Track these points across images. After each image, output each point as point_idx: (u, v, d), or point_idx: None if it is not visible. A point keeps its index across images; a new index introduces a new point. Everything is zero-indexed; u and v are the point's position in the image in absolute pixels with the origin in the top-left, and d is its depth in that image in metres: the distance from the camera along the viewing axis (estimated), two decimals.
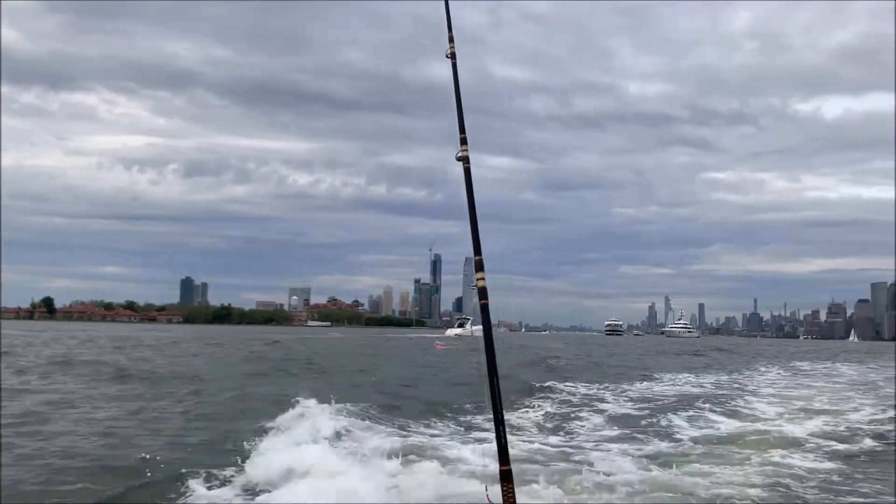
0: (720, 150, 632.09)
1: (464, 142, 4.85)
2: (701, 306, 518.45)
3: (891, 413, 16.73)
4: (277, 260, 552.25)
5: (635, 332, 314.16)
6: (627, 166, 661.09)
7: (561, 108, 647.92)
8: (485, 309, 4.22)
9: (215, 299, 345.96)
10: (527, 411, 16.25)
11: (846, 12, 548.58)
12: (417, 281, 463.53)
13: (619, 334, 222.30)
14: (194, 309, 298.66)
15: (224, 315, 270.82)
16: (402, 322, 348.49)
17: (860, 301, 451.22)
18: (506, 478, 3.79)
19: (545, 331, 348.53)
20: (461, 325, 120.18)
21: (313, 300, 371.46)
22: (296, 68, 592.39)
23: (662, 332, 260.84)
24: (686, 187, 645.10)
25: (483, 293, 4.27)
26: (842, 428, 14.40)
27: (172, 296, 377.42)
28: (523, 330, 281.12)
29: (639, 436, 13.03)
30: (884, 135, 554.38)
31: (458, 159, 4.80)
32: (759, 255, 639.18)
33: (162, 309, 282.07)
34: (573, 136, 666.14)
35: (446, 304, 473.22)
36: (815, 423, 14.89)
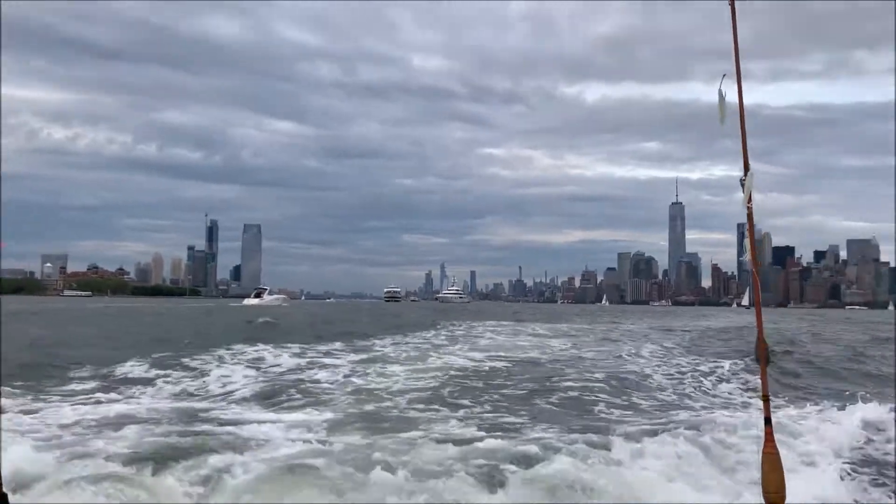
0: (495, 126, 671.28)
1: None
2: (473, 273, 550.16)
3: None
4: (29, 223, 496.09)
5: (412, 298, 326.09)
6: (408, 137, 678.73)
7: (346, 76, 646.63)
8: None
9: None
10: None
11: (606, 4, 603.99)
12: (191, 248, 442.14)
13: (398, 301, 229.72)
14: None
15: None
16: (173, 291, 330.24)
17: (609, 269, 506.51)
18: None
19: (328, 299, 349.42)
20: (258, 296, 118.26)
21: (71, 268, 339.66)
22: (51, 9, 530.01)
23: (436, 298, 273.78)
24: (463, 161, 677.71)
25: None
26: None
27: None
28: (303, 298, 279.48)
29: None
30: (633, 119, 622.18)
31: None
32: (526, 226, 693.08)
33: None
34: (357, 105, 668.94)
35: (223, 272, 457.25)
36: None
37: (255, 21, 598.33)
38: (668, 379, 16.62)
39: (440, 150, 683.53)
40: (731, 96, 5.88)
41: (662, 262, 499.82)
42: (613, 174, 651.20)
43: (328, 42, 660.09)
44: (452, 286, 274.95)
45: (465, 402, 12.68)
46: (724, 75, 5.86)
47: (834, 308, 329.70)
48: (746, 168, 5.71)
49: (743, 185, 5.82)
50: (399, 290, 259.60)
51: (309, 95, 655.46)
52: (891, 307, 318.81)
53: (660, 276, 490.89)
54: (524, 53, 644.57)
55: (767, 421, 5.34)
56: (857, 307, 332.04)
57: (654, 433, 9.65)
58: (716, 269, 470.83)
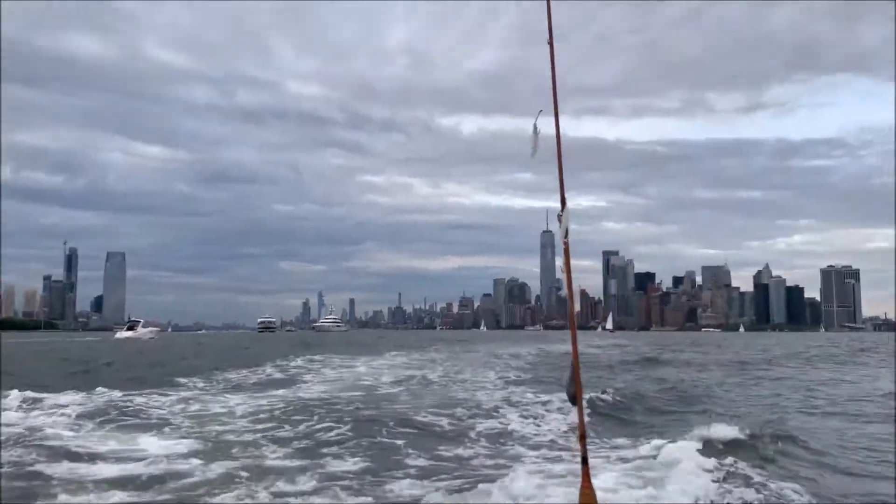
0: (373, 154, 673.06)
1: None
2: (352, 301, 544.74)
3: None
4: None
5: (288, 328, 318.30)
6: (286, 163, 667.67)
7: (221, 99, 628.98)
8: None
9: None
10: None
11: (482, 40, 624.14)
12: (48, 278, 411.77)
13: (273, 331, 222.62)
14: None
15: None
16: (26, 325, 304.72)
17: (485, 295, 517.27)
18: None
19: (199, 330, 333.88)
20: (131, 328, 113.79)
21: None
22: None
23: (313, 328, 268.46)
24: (341, 187, 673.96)
25: None
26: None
27: None
28: (169, 330, 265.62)
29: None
30: (507, 151, 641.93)
31: None
32: (406, 252, 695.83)
33: None
34: (233, 129, 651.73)
35: (84, 303, 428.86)
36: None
37: (123, 40, 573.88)
38: (487, 418, 16.00)
39: (318, 177, 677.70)
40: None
41: (535, 287, 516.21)
42: (490, 203, 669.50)
43: (202, 64, 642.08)
44: (330, 314, 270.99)
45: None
46: (540, 111, 6.03)
47: (691, 331, 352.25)
48: (563, 204, 5.87)
49: (560, 221, 5.97)
50: (274, 319, 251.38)
51: (181, 118, 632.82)
52: (741, 329, 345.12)
53: (532, 302, 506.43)
54: (402, 84, 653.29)
55: (584, 460, 5.36)
56: (712, 329, 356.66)
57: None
58: (584, 295, 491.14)
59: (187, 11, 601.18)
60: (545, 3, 6.09)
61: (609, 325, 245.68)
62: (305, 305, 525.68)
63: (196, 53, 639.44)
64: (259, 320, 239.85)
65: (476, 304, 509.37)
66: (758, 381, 27.80)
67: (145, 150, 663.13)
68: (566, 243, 5.94)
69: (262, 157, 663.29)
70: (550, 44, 6.18)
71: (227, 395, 20.61)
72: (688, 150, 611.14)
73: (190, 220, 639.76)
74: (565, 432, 13.88)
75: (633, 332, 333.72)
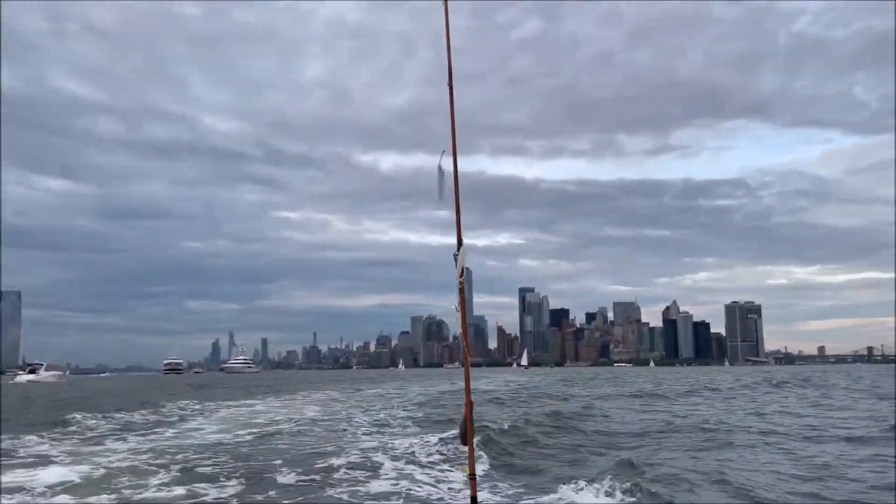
0: (289, 189, 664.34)
1: None
2: (264, 341, 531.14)
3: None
4: None
5: (195, 370, 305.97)
6: (198, 199, 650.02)
7: (129, 132, 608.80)
8: None
9: None
10: None
11: (401, 78, 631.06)
12: None
13: (180, 372, 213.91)
14: None
15: None
16: None
17: (403, 333, 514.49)
18: None
19: (102, 373, 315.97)
20: (33, 371, 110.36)
21: None
22: None
23: (222, 369, 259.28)
24: (255, 224, 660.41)
25: None
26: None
27: None
28: (67, 373, 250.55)
29: None
30: (424, 188, 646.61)
31: None
32: (322, 290, 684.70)
33: None
34: (141, 163, 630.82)
35: None
36: None
37: (25, 70, 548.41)
38: (361, 458, 15.56)
39: (231, 213, 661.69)
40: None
41: (453, 325, 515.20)
42: (408, 240, 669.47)
43: (110, 96, 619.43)
44: (240, 355, 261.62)
45: None
46: (443, 152, 6.16)
47: (604, 366, 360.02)
48: (459, 243, 5.93)
49: (456, 260, 6.00)
50: (181, 360, 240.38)
51: (87, 152, 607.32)
52: (652, 364, 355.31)
53: (451, 339, 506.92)
54: (320, 119, 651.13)
55: (473, 501, 5.51)
56: (624, 364, 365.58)
57: None
58: (501, 331, 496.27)
59: (97, 42, 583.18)
60: (446, 47, 6.51)
61: (524, 361, 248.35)
62: (215, 346, 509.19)
63: (104, 85, 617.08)
64: (165, 362, 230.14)
65: (394, 343, 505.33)
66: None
67: (48, 182, 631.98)
68: (461, 283, 5.94)
69: (173, 193, 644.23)
70: (450, 86, 6.48)
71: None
72: (599, 189, 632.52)
73: (94, 257, 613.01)
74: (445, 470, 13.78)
75: (549, 367, 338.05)
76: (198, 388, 64.25)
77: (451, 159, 6.25)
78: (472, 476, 5.55)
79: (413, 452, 16.24)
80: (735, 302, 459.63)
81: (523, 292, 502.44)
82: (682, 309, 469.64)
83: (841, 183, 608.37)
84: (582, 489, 11.56)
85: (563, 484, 12.05)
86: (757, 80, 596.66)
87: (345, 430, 22.67)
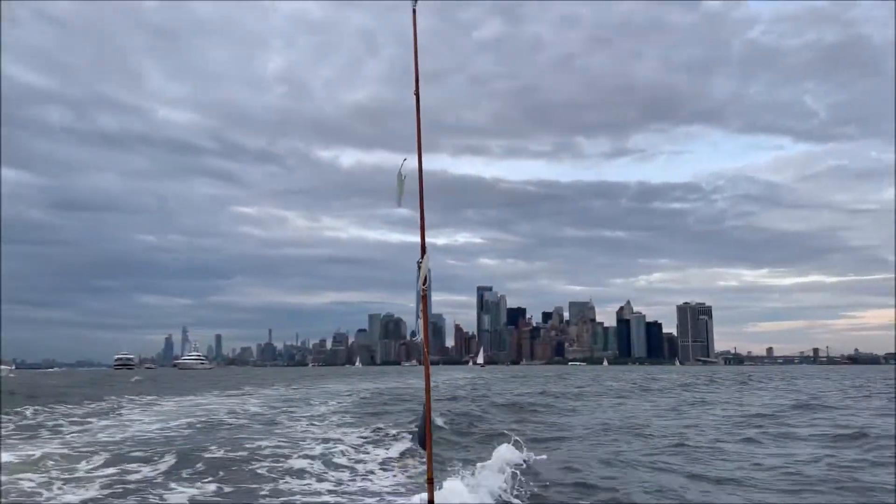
0: (247, 184, 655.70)
1: None
2: (218, 337, 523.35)
3: None
4: None
5: (147, 365, 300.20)
6: (151, 191, 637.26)
7: (79, 122, 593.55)
8: None
9: None
10: None
11: (361, 75, 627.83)
12: None
13: (131, 368, 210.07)
14: None
15: None
16: None
17: (360, 330, 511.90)
18: None
19: (50, 368, 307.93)
20: None
21: None
22: None
23: (175, 365, 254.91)
24: (211, 218, 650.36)
25: None
26: None
27: None
28: (13, 367, 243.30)
29: None
30: (385, 186, 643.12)
31: None
32: (279, 287, 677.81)
33: None
34: (92, 154, 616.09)
35: None
36: None
37: None
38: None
39: (187, 207, 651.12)
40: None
41: (411, 323, 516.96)
42: (367, 237, 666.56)
43: (61, 85, 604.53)
44: (193, 351, 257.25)
45: None
46: (405, 159, 6.17)
47: (559, 364, 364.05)
48: (423, 251, 6.09)
49: (419, 268, 6.11)
50: (132, 356, 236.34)
51: (35, 141, 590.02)
52: (605, 363, 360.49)
53: (408, 337, 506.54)
54: (280, 114, 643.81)
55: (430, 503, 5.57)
56: (579, 363, 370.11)
57: None
58: (458, 329, 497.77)
59: (49, 29, 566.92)
60: (413, 51, 6.47)
61: (480, 359, 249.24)
62: (168, 341, 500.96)
63: (55, 73, 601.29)
64: (115, 357, 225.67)
65: (351, 340, 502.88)
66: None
67: None
68: (424, 290, 6.01)
69: (126, 185, 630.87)
70: (417, 95, 6.40)
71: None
72: (558, 190, 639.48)
73: (42, 249, 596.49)
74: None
75: (505, 365, 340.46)
76: (144, 382, 63.36)
77: (411, 165, 6.35)
78: (430, 480, 5.57)
79: (340, 440, 16.80)
80: (687, 303, 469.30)
81: (481, 291, 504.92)
82: (635, 309, 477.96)
83: (790, 189, 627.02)
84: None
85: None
86: (712, 87, 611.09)
87: (282, 422, 23.01)
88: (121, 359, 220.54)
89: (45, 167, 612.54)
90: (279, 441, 16.79)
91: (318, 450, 15.25)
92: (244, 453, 14.63)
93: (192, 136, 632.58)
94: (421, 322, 6.39)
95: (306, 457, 14.37)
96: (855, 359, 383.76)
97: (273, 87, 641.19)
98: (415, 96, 6.46)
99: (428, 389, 6.03)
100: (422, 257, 6.08)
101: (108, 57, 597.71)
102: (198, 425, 21.84)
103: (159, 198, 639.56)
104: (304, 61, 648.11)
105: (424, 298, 6.18)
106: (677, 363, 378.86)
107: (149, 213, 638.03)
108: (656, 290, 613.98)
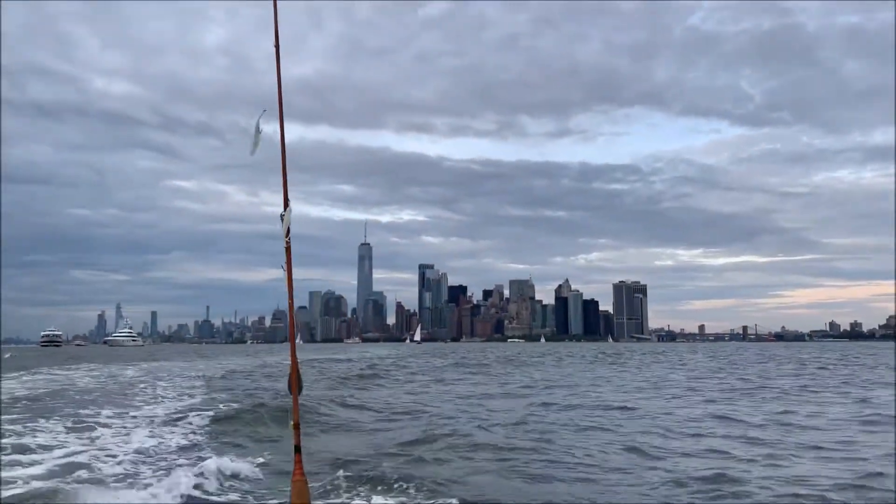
0: (186, 158, 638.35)
1: None
2: (154, 314, 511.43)
3: None
4: None
5: (77, 342, 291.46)
6: (85, 164, 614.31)
7: (11, 91, 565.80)
8: None
9: None
10: None
11: (305, 48, 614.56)
12: None
13: (59, 345, 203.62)
14: None
15: None
16: None
17: (300, 308, 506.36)
18: None
19: None
20: None
21: None
22: None
23: (105, 342, 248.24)
24: (148, 192, 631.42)
25: None
26: None
27: None
28: None
29: None
30: (327, 162, 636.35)
31: None
32: (217, 263, 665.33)
33: None
34: (23, 124, 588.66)
35: None
36: None
37: None
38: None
39: (123, 180, 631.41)
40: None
41: (351, 300, 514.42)
42: (308, 213, 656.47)
43: None
44: (125, 328, 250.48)
45: None
46: (264, 110, 6.48)
47: (498, 341, 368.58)
48: (286, 204, 6.14)
49: (282, 220, 6.21)
50: (59, 332, 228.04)
51: None
52: (542, 340, 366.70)
53: (349, 315, 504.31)
54: (220, 87, 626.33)
55: (297, 448, 5.71)
56: (517, 339, 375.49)
57: None
58: (399, 307, 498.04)
59: None
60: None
61: (417, 336, 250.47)
62: (101, 318, 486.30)
63: None
64: (42, 334, 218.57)
65: None
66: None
67: None
68: (287, 242, 6.11)
69: (59, 157, 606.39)
70: (277, 47, 6.50)
71: None
72: (501, 169, 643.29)
73: None
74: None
75: (444, 342, 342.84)
76: (47, 357, 63.61)
77: (274, 121, 6.42)
78: (296, 426, 5.79)
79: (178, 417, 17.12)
80: (622, 281, 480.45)
81: (423, 269, 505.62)
82: (574, 287, 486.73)
83: (725, 171, 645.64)
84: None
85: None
86: (653, 70, 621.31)
87: (144, 391, 23.95)
88: (47, 335, 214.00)
89: None
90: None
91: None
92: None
93: (129, 109, 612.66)
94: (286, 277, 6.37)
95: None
96: (781, 336, 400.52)
97: (213, 59, 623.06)
98: (275, 48, 6.57)
99: (293, 341, 6.28)
100: (284, 209, 6.08)
101: (40, 24, 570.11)
102: (59, 389, 22.98)
103: (95, 171, 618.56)
104: (246, 34, 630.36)
105: (288, 250, 6.19)
106: (610, 340, 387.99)
107: (84, 187, 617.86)
108: (595, 268, 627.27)
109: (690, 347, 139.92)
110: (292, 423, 5.78)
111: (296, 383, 5.88)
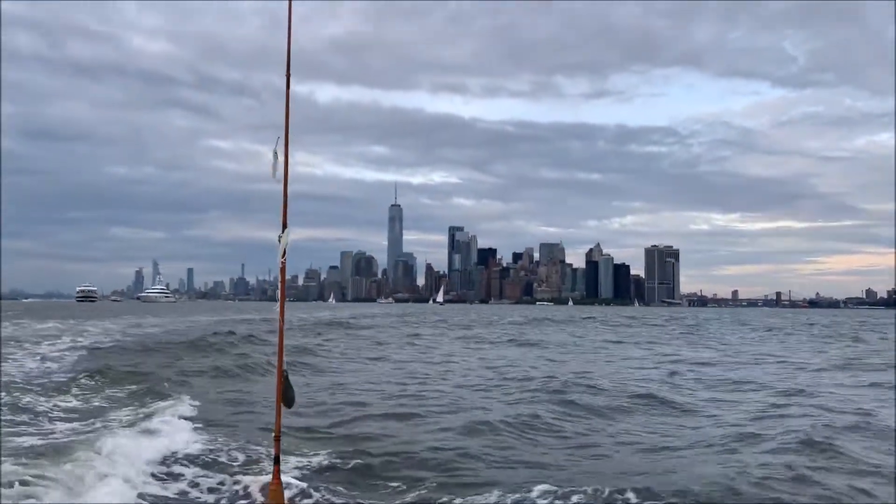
0: (222, 118, 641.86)
1: None
2: (190, 271, 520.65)
3: None
4: None
5: (113, 298, 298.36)
6: (123, 122, 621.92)
7: (51, 50, 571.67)
8: None
9: None
10: None
11: (339, 8, 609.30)
12: None
13: (93, 300, 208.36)
14: None
15: None
16: None
17: (332, 267, 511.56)
18: None
19: (24, 298, 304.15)
20: None
21: None
22: None
23: (138, 298, 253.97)
24: (185, 151, 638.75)
25: None
26: None
27: None
28: None
29: None
30: (361, 122, 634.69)
31: None
32: (252, 222, 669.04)
33: None
34: (63, 83, 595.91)
35: None
36: None
37: None
38: None
39: (160, 139, 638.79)
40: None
41: (382, 261, 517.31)
42: (341, 174, 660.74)
43: (30, 10, 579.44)
44: (157, 284, 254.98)
45: None
46: (278, 138, 6.76)
47: (527, 304, 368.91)
48: (285, 225, 6.39)
49: (279, 241, 6.45)
50: (94, 288, 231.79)
51: (3, 68, 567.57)
52: (570, 303, 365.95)
53: (379, 275, 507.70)
54: (256, 46, 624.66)
55: (276, 459, 5.84)
56: (546, 302, 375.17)
57: None
58: (429, 268, 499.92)
59: None
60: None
61: (440, 298, 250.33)
62: (138, 275, 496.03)
63: None
64: (78, 289, 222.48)
65: (322, 277, 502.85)
66: None
67: None
68: (283, 263, 6.29)
69: (97, 115, 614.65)
70: (288, 76, 6.79)
71: None
72: (536, 131, 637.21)
73: (10, 178, 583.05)
74: None
75: (473, 304, 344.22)
76: (60, 309, 70.08)
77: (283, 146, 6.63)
78: (277, 437, 5.85)
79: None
80: (654, 246, 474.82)
81: (453, 230, 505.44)
82: (606, 251, 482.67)
83: (765, 134, 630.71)
84: None
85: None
86: (692, 30, 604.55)
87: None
88: (83, 290, 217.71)
89: (14, 95, 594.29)
90: None
91: None
92: None
93: (166, 67, 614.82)
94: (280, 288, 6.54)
95: None
96: (815, 303, 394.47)
97: (248, 18, 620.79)
98: (286, 78, 6.82)
99: (281, 349, 6.21)
100: (282, 231, 6.30)
101: None
102: None
103: (132, 129, 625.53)
104: None
105: (283, 270, 6.41)
106: (636, 304, 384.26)
107: (121, 145, 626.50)
108: (628, 232, 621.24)
109: (727, 313, 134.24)
110: (274, 434, 5.87)
111: (280, 396, 5.94)
